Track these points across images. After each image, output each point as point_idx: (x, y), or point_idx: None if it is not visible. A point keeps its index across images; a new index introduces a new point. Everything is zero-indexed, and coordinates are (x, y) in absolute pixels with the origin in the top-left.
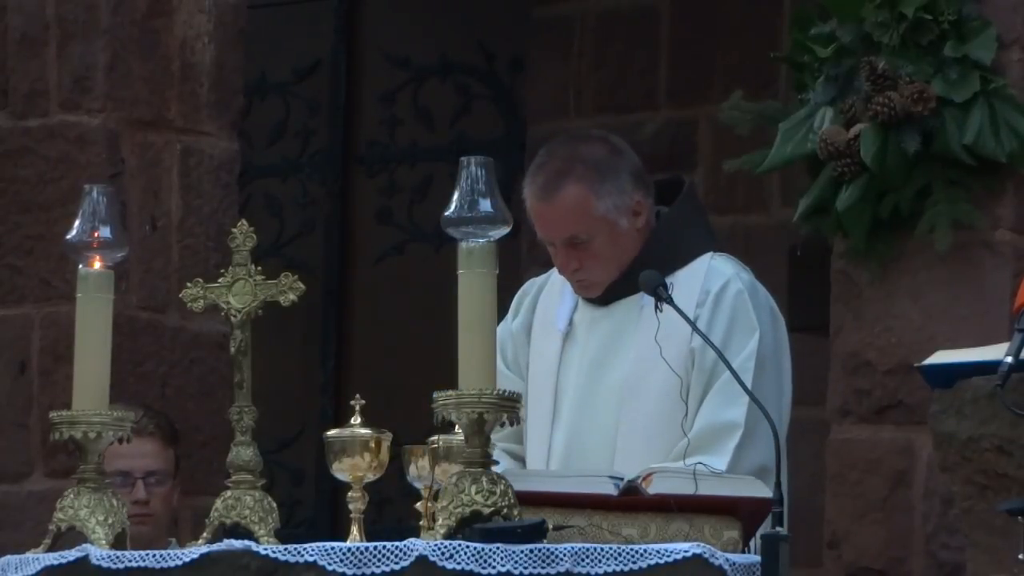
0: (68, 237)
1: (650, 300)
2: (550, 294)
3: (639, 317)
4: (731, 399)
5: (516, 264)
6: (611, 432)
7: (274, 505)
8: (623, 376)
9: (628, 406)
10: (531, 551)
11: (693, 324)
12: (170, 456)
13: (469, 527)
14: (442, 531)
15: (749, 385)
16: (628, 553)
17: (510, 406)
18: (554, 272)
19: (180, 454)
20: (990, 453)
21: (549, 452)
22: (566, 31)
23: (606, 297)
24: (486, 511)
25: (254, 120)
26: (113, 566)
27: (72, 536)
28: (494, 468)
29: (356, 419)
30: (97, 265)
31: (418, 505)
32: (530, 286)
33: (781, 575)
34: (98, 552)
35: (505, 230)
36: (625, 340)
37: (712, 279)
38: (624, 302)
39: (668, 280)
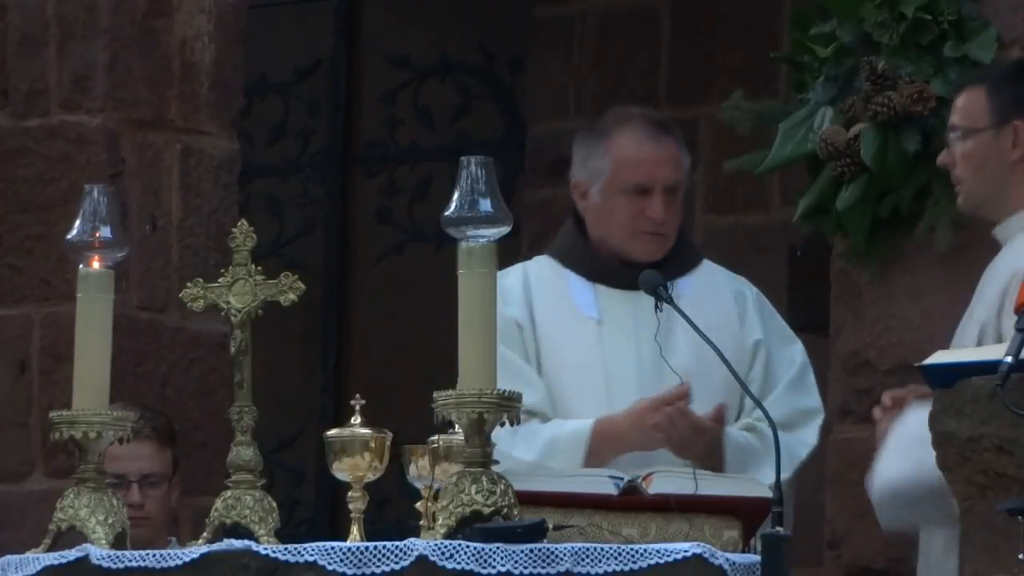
0: (68, 237)
1: (686, 284)
2: (544, 286)
3: (678, 302)
4: (809, 389)
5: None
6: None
7: (274, 505)
8: (686, 360)
9: (696, 389)
10: (531, 551)
11: (692, 323)
12: (167, 458)
13: (469, 527)
14: (442, 531)
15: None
16: (628, 553)
17: (510, 406)
18: (533, 266)
19: (179, 454)
20: (990, 453)
21: None
22: (566, 31)
23: (634, 282)
24: (486, 511)
25: (254, 120)
26: (113, 566)
27: (72, 536)
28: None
29: (356, 419)
30: (97, 265)
31: (418, 505)
32: (505, 282)
33: (781, 575)
34: (98, 552)
35: (505, 230)
36: (674, 326)
37: (734, 281)
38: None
39: (688, 278)
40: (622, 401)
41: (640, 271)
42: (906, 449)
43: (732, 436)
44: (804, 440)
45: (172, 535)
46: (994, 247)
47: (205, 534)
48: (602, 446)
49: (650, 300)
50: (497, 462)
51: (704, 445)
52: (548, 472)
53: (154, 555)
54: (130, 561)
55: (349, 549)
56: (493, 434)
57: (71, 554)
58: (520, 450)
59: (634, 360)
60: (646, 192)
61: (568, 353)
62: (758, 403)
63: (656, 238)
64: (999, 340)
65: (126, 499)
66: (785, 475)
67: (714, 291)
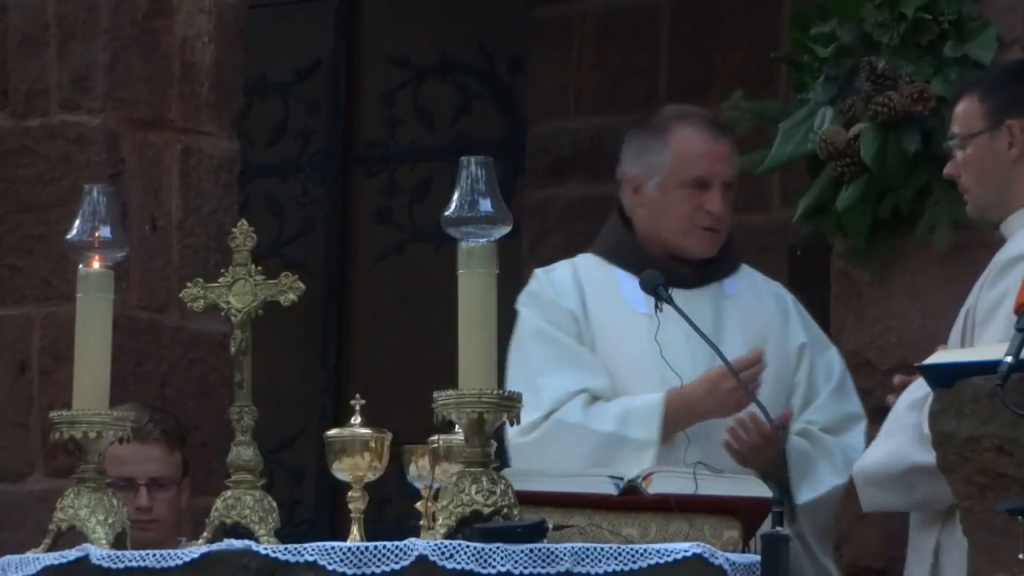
0: (68, 237)
1: (732, 284)
2: (594, 282)
3: (725, 301)
4: (851, 394)
5: (516, 264)
6: None
7: (274, 505)
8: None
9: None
10: (531, 551)
11: (692, 323)
12: (176, 461)
13: (469, 527)
14: (442, 531)
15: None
16: (628, 553)
17: (510, 406)
18: (580, 262)
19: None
20: (990, 453)
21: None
22: (566, 31)
23: (693, 279)
24: (486, 511)
25: (254, 120)
26: (113, 566)
27: (72, 536)
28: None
29: (356, 419)
30: (97, 265)
31: (418, 505)
32: (555, 275)
33: (781, 575)
34: (98, 552)
35: (505, 230)
36: (725, 325)
37: (771, 284)
38: (710, 286)
39: (733, 278)
40: None
41: (693, 267)
42: (885, 435)
43: (793, 443)
44: (853, 445)
45: (182, 536)
46: (994, 247)
47: (205, 534)
48: (677, 414)
49: (702, 297)
50: (497, 462)
51: (771, 453)
52: (625, 444)
53: (154, 555)
54: (130, 561)
55: (349, 549)
56: (563, 414)
57: (71, 554)
58: (596, 423)
59: (688, 356)
60: (705, 186)
61: (622, 349)
62: (752, 397)
63: (711, 234)
64: (972, 324)
65: (134, 502)
66: (842, 480)
67: (757, 293)
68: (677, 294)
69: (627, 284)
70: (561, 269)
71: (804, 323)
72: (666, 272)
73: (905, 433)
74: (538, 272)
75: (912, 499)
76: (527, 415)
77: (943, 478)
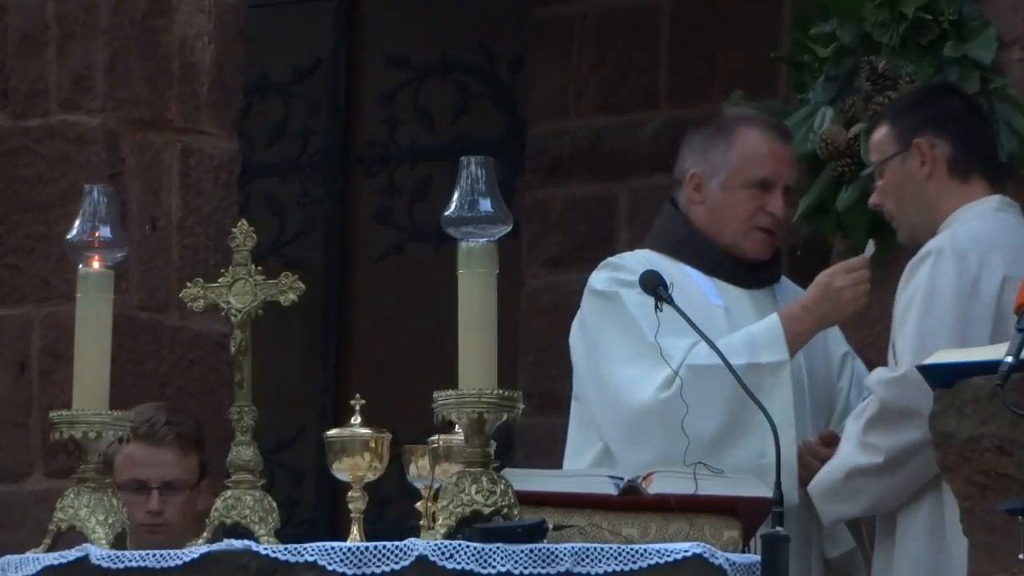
0: (68, 237)
1: (780, 290)
2: (667, 273)
3: (780, 305)
4: None
5: (516, 264)
6: (805, 401)
7: (274, 505)
8: (796, 360)
9: (805, 391)
10: (531, 551)
11: (693, 324)
12: (191, 464)
13: (469, 527)
14: (442, 531)
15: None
16: (628, 553)
17: (510, 406)
18: (644, 254)
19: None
20: (990, 453)
21: None
22: (566, 31)
23: (754, 281)
24: (486, 511)
25: (254, 120)
26: (113, 566)
27: (72, 536)
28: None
29: (356, 419)
30: (97, 265)
31: (418, 505)
32: (630, 261)
33: (781, 575)
34: (98, 552)
35: (505, 230)
36: None
37: (803, 292)
38: (766, 289)
39: (781, 284)
40: None
41: (757, 270)
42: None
43: None
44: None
45: (198, 538)
46: None
47: (205, 534)
48: (797, 327)
49: (764, 298)
50: (498, 462)
51: None
52: (761, 371)
53: (154, 555)
54: (130, 561)
55: (349, 549)
56: (693, 359)
57: (71, 554)
58: (727, 358)
59: None
60: (768, 188)
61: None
62: (747, 390)
63: (769, 237)
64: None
65: (145, 506)
66: None
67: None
68: (744, 292)
69: (697, 276)
70: (633, 257)
71: (842, 332)
72: (735, 271)
73: (848, 441)
74: (612, 260)
75: (859, 504)
76: (662, 371)
77: (883, 479)
